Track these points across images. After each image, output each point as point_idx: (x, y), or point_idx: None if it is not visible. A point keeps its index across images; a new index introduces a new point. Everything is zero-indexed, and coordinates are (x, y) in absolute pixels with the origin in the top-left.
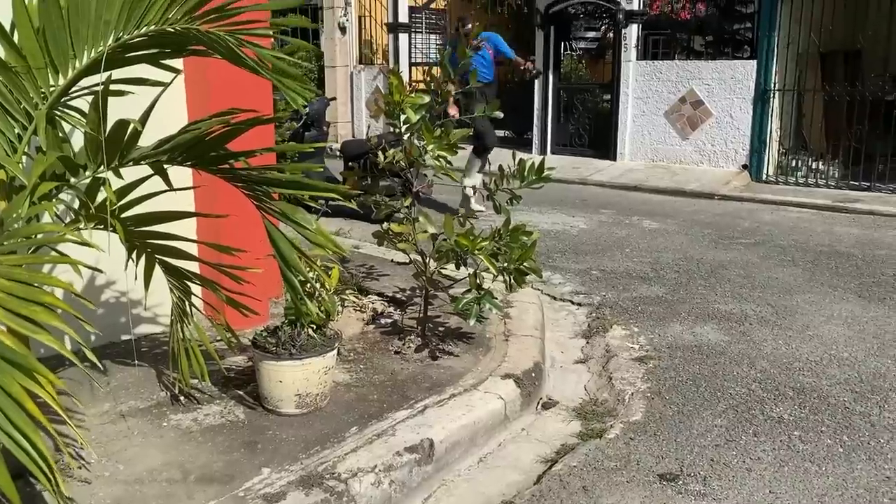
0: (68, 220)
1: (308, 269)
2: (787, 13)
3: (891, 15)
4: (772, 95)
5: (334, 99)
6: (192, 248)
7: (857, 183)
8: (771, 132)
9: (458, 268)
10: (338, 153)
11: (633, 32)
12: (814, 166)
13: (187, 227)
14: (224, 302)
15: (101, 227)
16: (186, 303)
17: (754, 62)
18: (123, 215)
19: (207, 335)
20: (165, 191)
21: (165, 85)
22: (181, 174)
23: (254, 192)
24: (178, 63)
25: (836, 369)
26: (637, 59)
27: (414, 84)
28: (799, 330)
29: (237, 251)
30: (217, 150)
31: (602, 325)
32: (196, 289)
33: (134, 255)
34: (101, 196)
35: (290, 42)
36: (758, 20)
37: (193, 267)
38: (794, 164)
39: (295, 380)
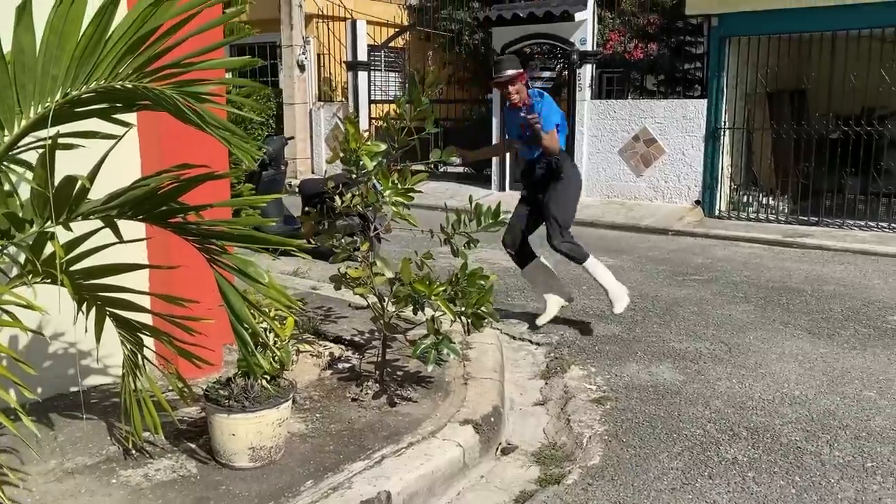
0: (14, 272)
1: (261, 319)
2: (735, 53)
3: (832, 56)
4: (722, 133)
5: (292, 138)
6: (145, 300)
7: (805, 218)
8: (722, 169)
9: (415, 313)
10: (296, 189)
11: (587, 72)
12: (764, 202)
13: (139, 278)
14: (176, 354)
15: (49, 281)
16: (139, 355)
17: (705, 101)
18: (72, 268)
19: (159, 385)
20: (115, 243)
21: (117, 139)
22: (133, 225)
23: (204, 245)
24: (130, 116)
25: (787, 408)
26: (591, 98)
27: (373, 121)
28: (752, 368)
29: (189, 302)
30: (168, 204)
31: (560, 365)
32: (148, 339)
33: (84, 308)
34: (48, 249)
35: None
36: (707, 60)
37: (146, 318)
38: (745, 199)
39: (248, 433)
